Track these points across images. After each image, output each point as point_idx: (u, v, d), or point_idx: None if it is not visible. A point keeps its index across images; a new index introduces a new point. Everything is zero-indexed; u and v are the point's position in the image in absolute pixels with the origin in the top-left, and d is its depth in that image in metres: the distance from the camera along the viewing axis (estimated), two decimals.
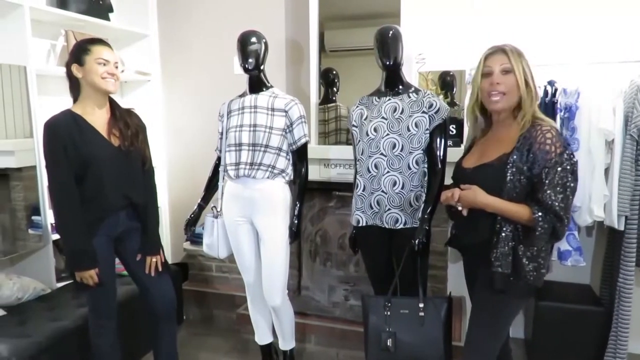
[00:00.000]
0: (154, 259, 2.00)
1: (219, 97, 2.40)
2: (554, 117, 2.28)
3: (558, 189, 1.40)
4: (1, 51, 2.35)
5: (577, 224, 2.34)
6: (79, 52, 1.81)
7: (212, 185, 2.37)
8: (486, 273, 1.53)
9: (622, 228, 2.22)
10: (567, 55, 2.42)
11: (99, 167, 1.80)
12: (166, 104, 3.29)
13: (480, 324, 1.60)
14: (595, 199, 2.25)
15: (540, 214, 1.41)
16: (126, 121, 1.90)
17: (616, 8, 2.42)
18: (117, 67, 1.85)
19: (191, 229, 2.35)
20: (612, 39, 2.41)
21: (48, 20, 2.63)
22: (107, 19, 2.94)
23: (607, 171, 2.27)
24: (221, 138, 2.29)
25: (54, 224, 1.86)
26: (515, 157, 1.46)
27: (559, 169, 1.40)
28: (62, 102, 2.79)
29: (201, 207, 2.36)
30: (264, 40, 2.18)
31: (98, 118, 1.86)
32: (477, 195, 1.47)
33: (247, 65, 2.15)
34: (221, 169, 2.28)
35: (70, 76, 1.84)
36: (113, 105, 1.92)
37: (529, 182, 1.45)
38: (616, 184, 2.20)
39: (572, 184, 1.43)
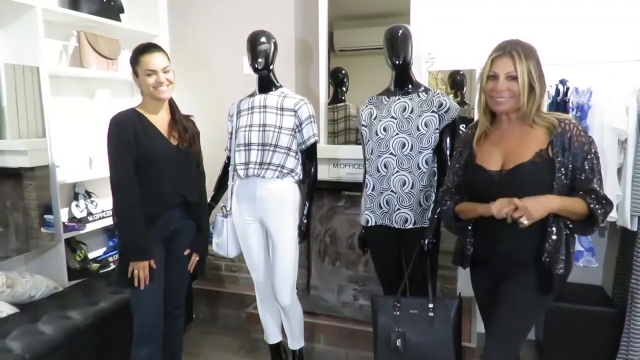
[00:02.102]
0: (197, 258, 2.06)
1: (229, 97, 2.41)
2: None
3: (598, 176, 1.48)
4: (14, 52, 2.38)
5: None
6: (133, 63, 1.88)
7: (221, 185, 2.38)
8: (528, 277, 1.54)
9: (635, 228, 2.19)
10: (579, 54, 2.39)
11: (159, 163, 1.87)
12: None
13: (511, 322, 1.57)
14: None
15: (596, 203, 1.45)
16: (184, 125, 1.97)
17: (629, 6, 2.38)
18: (167, 72, 1.88)
19: (209, 234, 2.35)
20: (625, 37, 2.37)
21: (60, 21, 2.66)
22: (118, 19, 2.97)
23: (619, 171, 2.25)
24: (231, 138, 2.30)
25: (113, 215, 1.91)
26: (557, 152, 1.47)
27: (593, 157, 1.48)
28: (75, 102, 2.85)
29: (211, 207, 2.37)
30: (273, 40, 2.19)
31: (159, 118, 1.93)
32: (545, 203, 1.43)
33: (256, 65, 2.15)
34: (231, 168, 2.29)
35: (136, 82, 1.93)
36: (173, 108, 1.99)
37: (571, 175, 1.48)
38: (629, 184, 2.17)
39: (600, 168, 1.51)
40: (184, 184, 1.95)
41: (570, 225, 1.51)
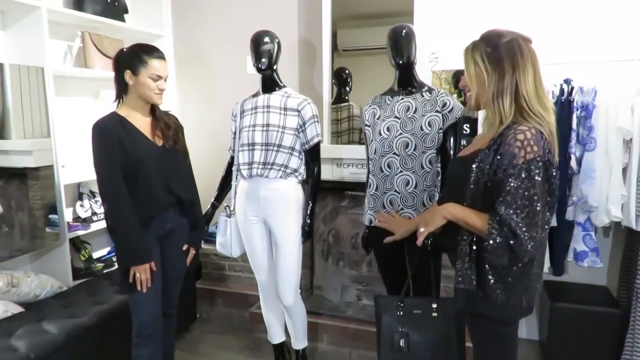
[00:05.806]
0: (194, 252, 2.08)
1: (232, 97, 2.42)
2: (570, 116, 2.25)
3: (521, 201, 1.20)
4: (19, 52, 2.40)
5: (594, 224, 2.30)
6: (136, 60, 1.81)
7: (225, 185, 2.38)
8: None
9: None
10: (584, 53, 2.38)
11: (147, 167, 1.84)
12: (180, 104, 3.31)
13: (477, 355, 1.52)
14: (613, 199, 2.21)
15: (494, 225, 1.23)
16: (166, 122, 1.94)
17: (634, 4, 2.37)
18: (165, 81, 1.88)
19: (204, 228, 2.37)
20: (630, 36, 2.36)
21: (65, 22, 2.67)
22: (123, 20, 2.97)
23: (624, 171, 2.24)
24: (234, 138, 2.30)
25: (106, 222, 1.90)
26: (482, 156, 1.30)
27: (524, 176, 1.19)
28: (79, 102, 2.86)
29: (214, 207, 2.38)
30: (276, 40, 2.19)
31: (142, 120, 1.89)
32: (438, 209, 1.37)
33: (260, 65, 2.16)
34: (234, 168, 2.30)
35: (120, 79, 1.85)
36: (153, 107, 1.95)
37: (495, 187, 1.27)
38: (634, 184, 2.16)
39: (542, 198, 1.21)
40: (176, 183, 1.94)
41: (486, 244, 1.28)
